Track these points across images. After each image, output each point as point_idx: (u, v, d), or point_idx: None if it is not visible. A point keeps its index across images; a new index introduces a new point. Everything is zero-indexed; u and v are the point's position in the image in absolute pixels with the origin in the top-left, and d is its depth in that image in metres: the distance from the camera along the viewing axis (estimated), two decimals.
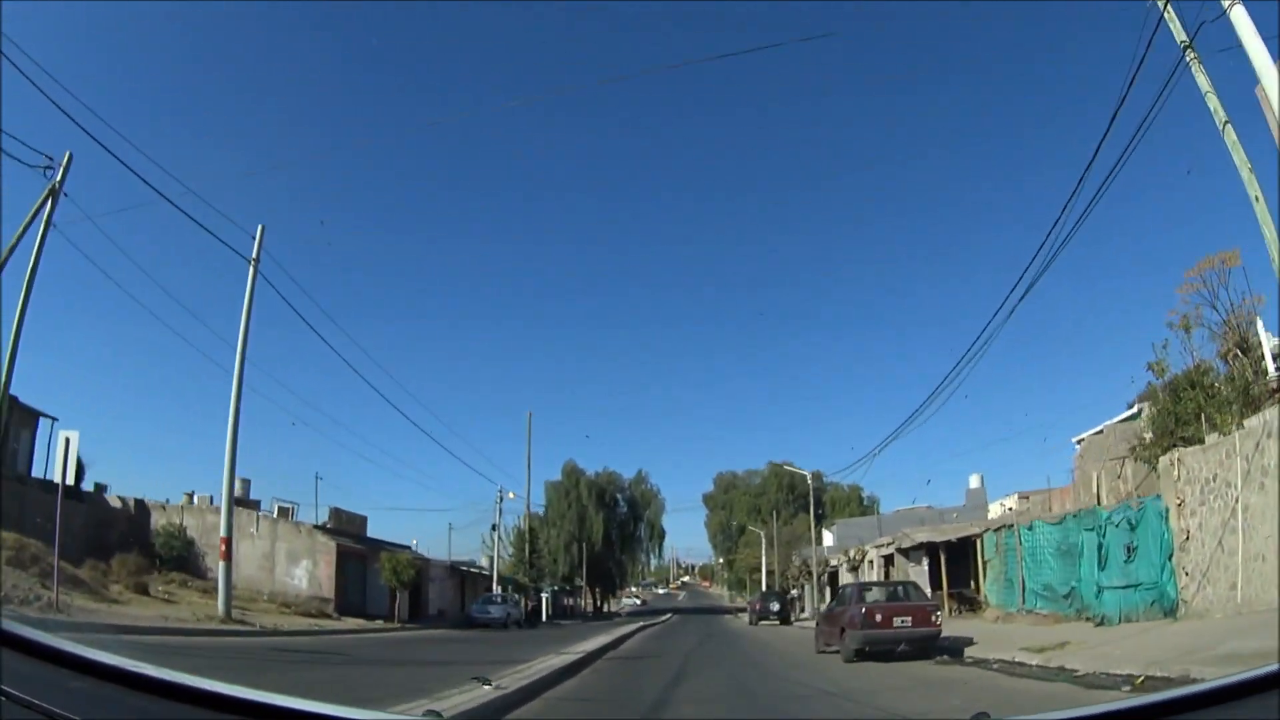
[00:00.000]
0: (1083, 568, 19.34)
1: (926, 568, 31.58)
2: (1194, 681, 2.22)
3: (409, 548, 42.13)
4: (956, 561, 30.02)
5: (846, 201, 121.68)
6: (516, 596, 39.82)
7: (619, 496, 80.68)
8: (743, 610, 71.61)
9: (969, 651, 15.89)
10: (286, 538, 32.81)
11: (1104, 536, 18.40)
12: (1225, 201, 74.84)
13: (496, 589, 43.33)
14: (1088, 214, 13.97)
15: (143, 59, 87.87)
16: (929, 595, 18.61)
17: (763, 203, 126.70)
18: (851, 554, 30.95)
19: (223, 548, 22.39)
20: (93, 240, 75.11)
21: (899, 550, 34.41)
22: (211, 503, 36.53)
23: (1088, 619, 18.54)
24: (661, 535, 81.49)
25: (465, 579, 48.23)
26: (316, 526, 33.46)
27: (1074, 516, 20.75)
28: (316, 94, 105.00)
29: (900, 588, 17.59)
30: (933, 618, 15.55)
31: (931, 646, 15.59)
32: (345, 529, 35.45)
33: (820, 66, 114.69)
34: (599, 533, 75.59)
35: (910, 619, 15.31)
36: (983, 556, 26.31)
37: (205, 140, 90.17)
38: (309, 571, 31.97)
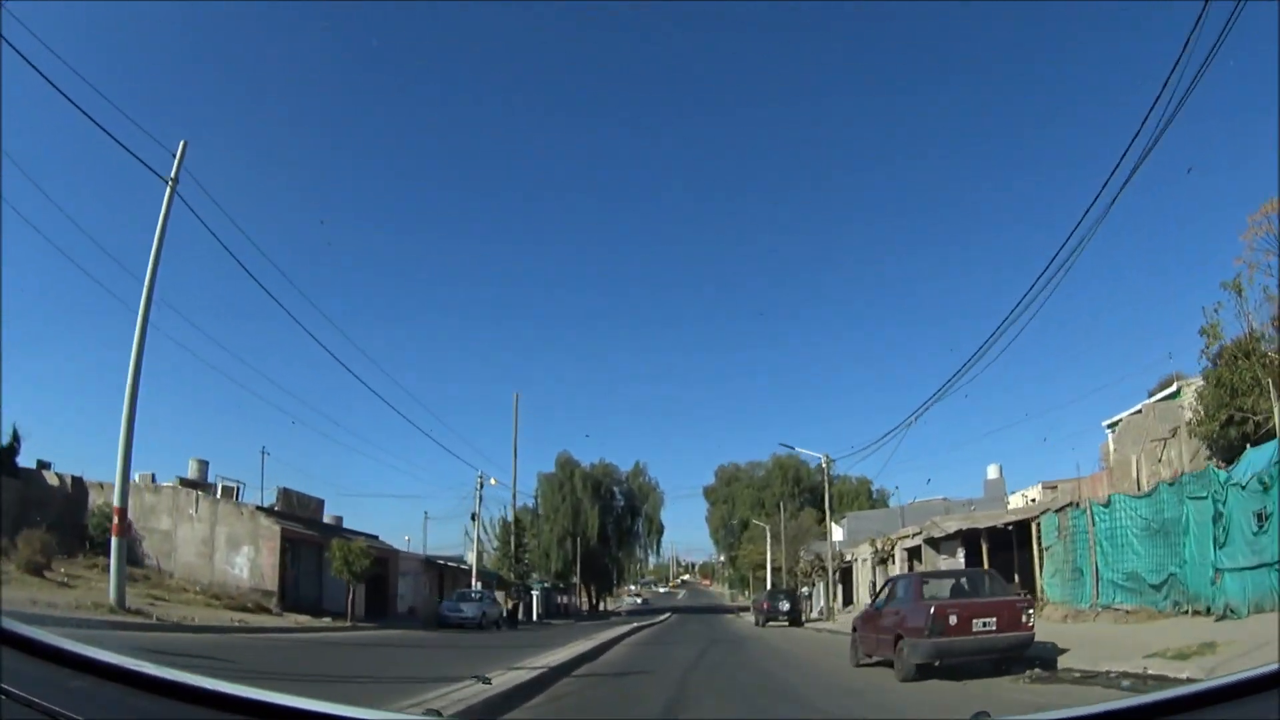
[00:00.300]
0: (1189, 547, 15.16)
1: (963, 560, 27.36)
2: (1193, 680, 2.18)
3: (375, 536, 37.72)
4: (999, 552, 25.88)
5: (849, 195, 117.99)
6: (492, 594, 35.40)
7: (615, 489, 76.60)
8: (745, 609, 67.51)
9: (1064, 661, 11.81)
10: (227, 521, 28.67)
11: (1223, 504, 14.20)
12: (1227, 200, 74.15)
13: (477, 585, 39.03)
14: (1117, 200, 13.58)
15: (138, 55, 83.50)
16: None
17: (765, 193, 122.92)
18: (879, 545, 26.74)
19: (115, 519, 18.35)
20: (58, 225, 71.23)
21: (927, 541, 30.21)
22: (154, 480, 32.66)
23: (1198, 612, 14.42)
24: (660, 530, 77.39)
25: (444, 574, 44.00)
26: (259, 508, 29.20)
27: (1169, 485, 16.52)
28: (301, 73, 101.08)
29: (972, 578, 13.33)
30: (1023, 617, 11.34)
31: (1020, 657, 11.42)
32: (296, 513, 31.19)
33: (826, 63, 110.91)
34: (594, 527, 71.64)
35: (995, 620, 11.10)
36: (1038, 544, 22.09)
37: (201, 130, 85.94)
38: (250, 559, 27.83)
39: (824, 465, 33.68)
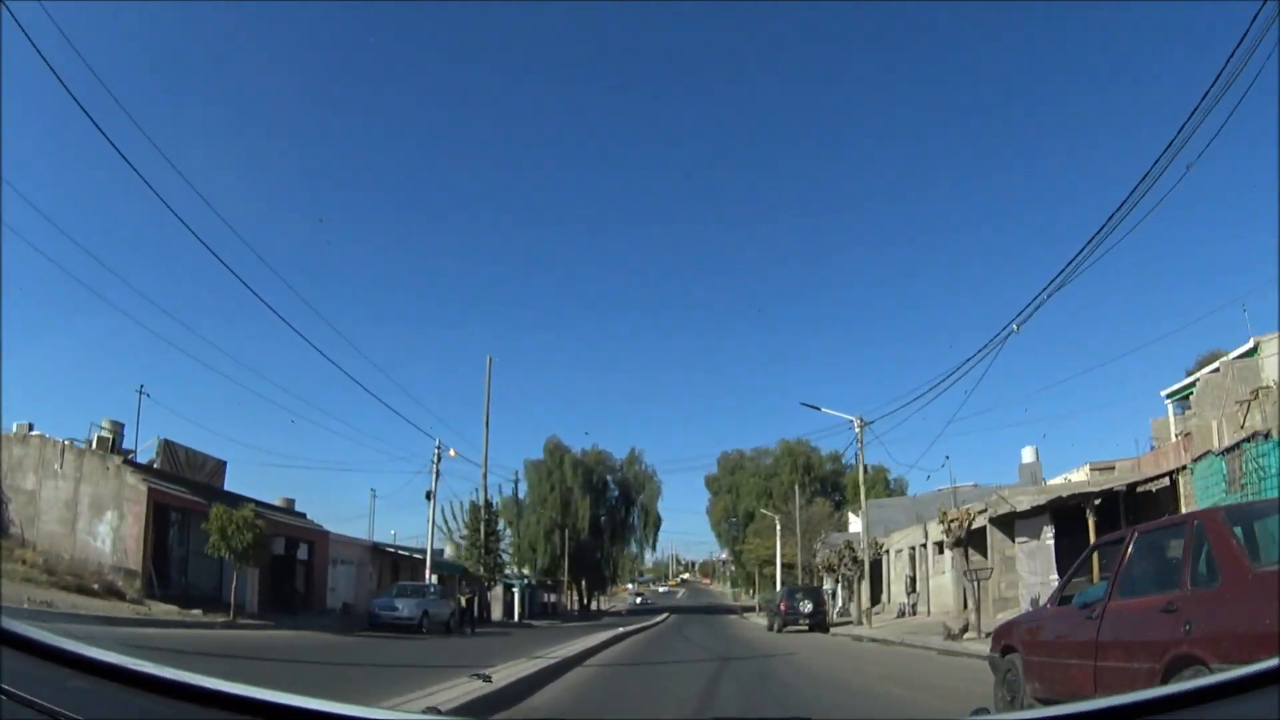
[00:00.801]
0: None
1: (1052, 541, 20.70)
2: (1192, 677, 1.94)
3: (301, 514, 30.81)
4: (1106, 529, 19.42)
5: (857, 171, 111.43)
6: (441, 588, 28.38)
7: (609, 479, 69.83)
8: (751, 609, 60.71)
9: None
10: (92, 478, 22.10)
11: None
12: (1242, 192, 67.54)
13: (432, 578, 32.25)
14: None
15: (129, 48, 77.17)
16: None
17: (771, 170, 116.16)
18: (951, 521, 19.87)
19: None
20: None
21: (994, 520, 23.55)
22: (31, 430, 26.07)
23: None
24: (657, 523, 70.06)
25: (399, 565, 37.25)
26: (128, 461, 22.42)
27: None
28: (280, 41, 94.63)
29: None
30: None
31: None
32: (183, 474, 24.38)
33: (842, 43, 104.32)
34: (585, 519, 65.09)
35: None
36: (1186, 507, 15.53)
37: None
38: (113, 529, 21.29)
39: (856, 429, 27.06)
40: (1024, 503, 21.31)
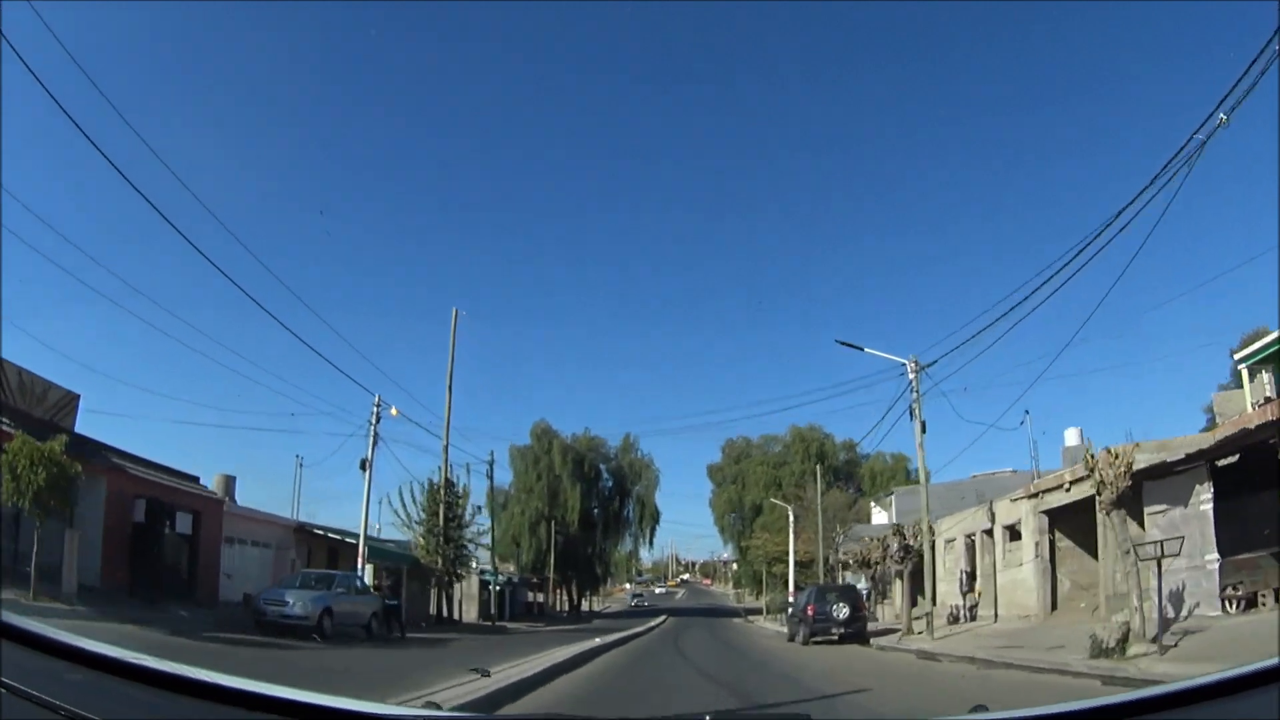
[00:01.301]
0: None
1: (1210, 506, 14.32)
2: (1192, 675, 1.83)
3: (193, 478, 24.10)
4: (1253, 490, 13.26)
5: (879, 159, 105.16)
6: (353, 579, 21.57)
7: (602, 467, 63.57)
8: (757, 612, 54.38)
9: None
10: None
11: None
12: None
13: (365, 569, 25.74)
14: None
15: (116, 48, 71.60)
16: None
17: (771, 133, 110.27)
18: (1103, 469, 12.60)
19: None
20: None
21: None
22: None
23: None
24: (655, 517, 63.62)
25: (339, 551, 30.84)
26: None
27: None
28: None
29: None
30: None
31: None
32: (10, 403, 17.67)
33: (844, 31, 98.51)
34: (575, 511, 58.77)
35: None
36: None
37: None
38: None
39: (910, 373, 20.72)
40: (1173, 452, 14.98)
